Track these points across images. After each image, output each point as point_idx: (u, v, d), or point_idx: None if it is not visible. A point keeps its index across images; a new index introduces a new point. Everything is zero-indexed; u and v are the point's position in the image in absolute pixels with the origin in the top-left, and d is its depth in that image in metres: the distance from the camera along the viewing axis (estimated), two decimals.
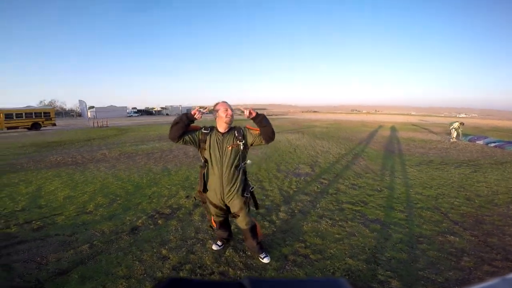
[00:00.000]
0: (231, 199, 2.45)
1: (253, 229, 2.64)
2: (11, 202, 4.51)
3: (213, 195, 2.47)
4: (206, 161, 2.44)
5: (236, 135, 2.40)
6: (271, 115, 58.01)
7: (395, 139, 13.84)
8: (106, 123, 28.26)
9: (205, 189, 2.50)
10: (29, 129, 23.97)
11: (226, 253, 2.90)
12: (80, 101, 29.25)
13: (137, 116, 63.86)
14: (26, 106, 27.10)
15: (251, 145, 2.47)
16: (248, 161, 2.55)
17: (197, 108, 2.32)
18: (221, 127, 2.41)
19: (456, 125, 13.51)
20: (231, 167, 2.38)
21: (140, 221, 3.70)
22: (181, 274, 2.57)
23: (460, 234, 3.40)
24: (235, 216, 2.54)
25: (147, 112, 75.16)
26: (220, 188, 2.42)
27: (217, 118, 2.43)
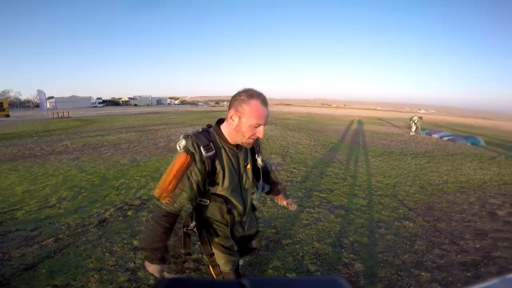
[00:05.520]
0: (250, 228, 1.59)
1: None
2: None
3: (228, 239, 1.43)
4: (211, 199, 1.36)
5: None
6: None
7: (361, 131, 14.60)
8: (67, 114, 26.46)
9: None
10: None
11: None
12: (39, 91, 26.74)
13: (102, 106, 60.58)
14: None
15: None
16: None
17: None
18: (234, 140, 1.33)
19: (415, 118, 14.57)
20: (251, 196, 1.54)
21: (108, 213, 3.60)
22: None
23: (414, 219, 3.70)
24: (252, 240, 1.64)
25: (114, 102, 71.52)
26: (241, 227, 1.51)
27: (232, 123, 1.27)
